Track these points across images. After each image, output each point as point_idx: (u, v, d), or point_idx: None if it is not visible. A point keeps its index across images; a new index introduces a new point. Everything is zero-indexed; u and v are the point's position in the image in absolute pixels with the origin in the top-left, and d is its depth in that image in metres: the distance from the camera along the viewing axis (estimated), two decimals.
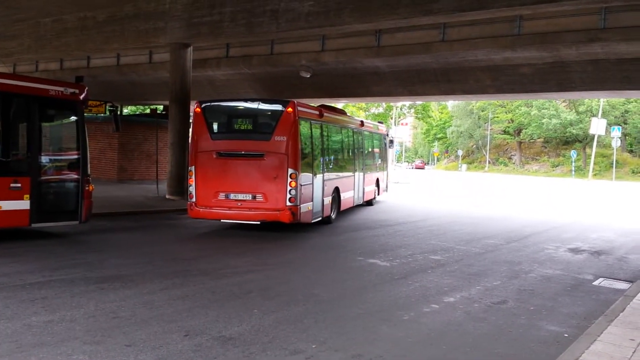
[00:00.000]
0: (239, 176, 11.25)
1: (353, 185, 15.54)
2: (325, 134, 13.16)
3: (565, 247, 11.20)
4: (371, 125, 18.97)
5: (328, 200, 13.04)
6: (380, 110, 51.26)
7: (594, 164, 53.96)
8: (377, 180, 19.11)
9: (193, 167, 11.48)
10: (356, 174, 15.88)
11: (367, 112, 48.85)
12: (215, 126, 11.79)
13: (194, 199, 11.45)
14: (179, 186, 16.86)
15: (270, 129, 11.27)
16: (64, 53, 21.30)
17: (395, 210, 17.71)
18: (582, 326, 5.65)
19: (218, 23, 15.66)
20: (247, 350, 4.63)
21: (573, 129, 56.67)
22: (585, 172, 54.57)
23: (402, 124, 55.86)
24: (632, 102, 52.75)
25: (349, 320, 5.65)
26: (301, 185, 11.16)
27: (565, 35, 14.29)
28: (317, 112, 12.65)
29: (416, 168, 79.29)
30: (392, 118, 50.53)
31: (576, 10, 13.33)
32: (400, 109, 53.56)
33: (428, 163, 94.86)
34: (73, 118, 10.14)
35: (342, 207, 14.42)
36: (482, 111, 67.96)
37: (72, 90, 9.83)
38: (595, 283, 7.94)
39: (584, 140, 57.11)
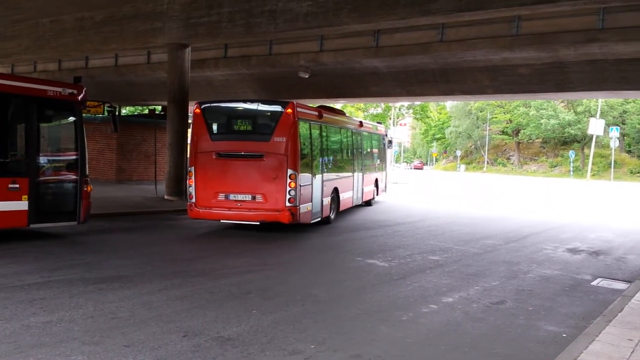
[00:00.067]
0: (239, 177, 11.28)
1: (352, 186, 15.55)
2: (324, 134, 13.18)
3: (563, 247, 11.21)
4: (370, 126, 18.99)
5: (327, 200, 13.06)
6: (379, 110, 51.31)
7: (592, 164, 54.03)
8: (376, 180, 19.12)
9: (193, 167, 11.51)
10: (355, 174, 15.89)
11: (365, 113, 48.88)
12: (214, 127, 11.82)
13: (193, 200, 11.48)
14: (178, 187, 16.86)
15: (269, 129, 11.30)
16: (62, 54, 21.28)
17: (394, 210, 17.73)
18: (580, 326, 5.65)
19: (216, 23, 15.65)
20: (246, 350, 4.63)
21: (571, 129, 56.76)
22: (583, 172, 54.65)
23: (400, 124, 55.90)
24: (631, 102, 52.84)
25: (348, 321, 5.65)
26: (300, 185, 11.18)
27: (563, 35, 14.31)
28: (316, 113, 12.67)
29: (415, 168, 79.31)
30: (390, 118, 50.58)
31: (574, 10, 13.35)
32: (399, 110, 53.62)
33: (427, 163, 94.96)
34: (71, 119, 10.13)
35: (341, 208, 14.43)
36: (481, 111, 68.03)
37: (70, 90, 9.82)
38: (594, 283, 7.96)
39: (583, 140, 57.19)
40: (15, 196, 9.02)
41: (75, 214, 9.82)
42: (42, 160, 9.67)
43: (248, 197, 11.21)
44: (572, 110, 57.10)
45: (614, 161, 50.75)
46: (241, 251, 9.68)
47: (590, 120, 50.94)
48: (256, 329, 5.18)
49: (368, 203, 18.19)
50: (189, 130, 18.15)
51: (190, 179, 11.55)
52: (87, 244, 9.67)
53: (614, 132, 48.73)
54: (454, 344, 5.05)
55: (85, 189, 9.91)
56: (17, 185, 9.05)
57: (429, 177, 50.64)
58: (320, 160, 12.74)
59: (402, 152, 77.63)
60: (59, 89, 9.68)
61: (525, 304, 6.59)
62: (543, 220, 16.16)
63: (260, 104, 12.55)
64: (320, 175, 12.57)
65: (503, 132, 68.20)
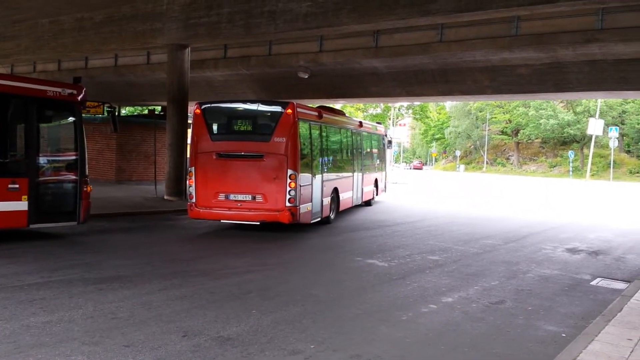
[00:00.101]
0: (239, 177, 11.31)
1: (352, 186, 15.57)
2: (324, 134, 13.20)
3: (563, 247, 11.22)
4: (370, 126, 19.00)
5: (327, 200, 13.08)
6: (379, 110, 51.32)
7: (592, 164, 54.05)
8: (376, 180, 19.14)
9: (193, 167, 11.55)
10: (355, 174, 15.91)
11: (365, 113, 48.89)
12: (215, 127, 11.86)
13: (194, 200, 11.51)
14: (177, 187, 16.86)
15: (269, 130, 11.33)
16: (62, 54, 21.28)
17: (393, 210, 17.73)
18: (579, 326, 5.66)
19: (216, 24, 15.66)
20: (246, 350, 4.63)
21: (570, 129, 56.80)
22: (582, 172, 54.68)
23: (400, 124, 55.89)
24: (630, 102, 52.88)
25: (348, 321, 5.66)
26: (300, 185, 11.20)
27: (562, 36, 14.33)
28: (316, 113, 12.69)
29: (414, 168, 79.35)
30: (390, 119, 50.59)
31: (573, 11, 13.36)
32: (398, 110, 53.63)
33: (426, 163, 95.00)
34: (71, 119, 10.13)
35: (341, 208, 14.45)
36: (480, 112, 68.06)
37: (69, 91, 9.82)
38: (593, 283, 7.97)
39: (582, 140, 57.24)
40: (15, 196, 9.03)
41: (75, 214, 9.83)
42: (42, 160, 9.67)
43: (248, 197, 11.23)
44: (571, 111, 57.14)
45: (613, 161, 50.78)
46: (241, 251, 9.69)
47: (589, 121, 50.95)
48: (256, 329, 5.19)
49: (368, 203, 18.20)
50: (189, 131, 18.18)
51: (190, 179, 11.57)
52: (87, 244, 9.67)
53: (613, 132, 48.75)
54: (454, 343, 5.06)
55: (85, 189, 9.91)
56: (17, 186, 9.06)
57: (428, 177, 50.66)
58: (320, 161, 12.76)
59: (401, 152, 77.67)
60: (59, 89, 9.68)
61: (525, 303, 6.60)
62: (542, 220, 16.17)
63: (260, 105, 12.59)
64: (320, 176, 12.59)
65: (502, 132, 68.24)
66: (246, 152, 11.35)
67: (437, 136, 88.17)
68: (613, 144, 49.05)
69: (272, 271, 8.08)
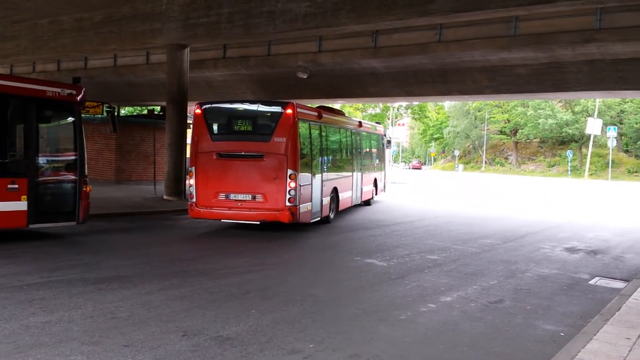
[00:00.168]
0: (239, 177, 11.36)
1: (351, 186, 15.60)
2: (323, 134, 13.23)
3: (561, 246, 11.24)
4: (369, 126, 19.02)
5: (327, 200, 13.11)
6: (377, 110, 51.30)
7: (590, 163, 54.12)
8: (375, 180, 19.17)
9: (193, 167, 11.59)
10: (354, 174, 15.93)
11: (364, 113, 48.88)
12: (215, 127, 11.91)
13: (194, 199, 11.55)
14: (177, 187, 16.87)
15: (269, 130, 11.38)
16: (61, 54, 21.27)
17: (392, 210, 17.75)
18: (578, 325, 5.68)
19: (215, 24, 15.66)
20: (245, 350, 4.65)
21: (569, 129, 56.86)
22: (581, 172, 54.73)
23: (399, 124, 55.89)
24: (628, 102, 52.92)
25: (347, 320, 5.67)
26: (300, 185, 11.24)
27: (560, 35, 14.35)
28: (315, 114, 12.73)
29: (413, 168, 79.39)
30: (389, 118, 50.61)
31: (572, 11, 13.38)
32: (397, 110, 53.64)
33: (425, 163, 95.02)
34: (70, 119, 10.14)
35: (341, 207, 14.47)
36: (479, 111, 68.10)
37: (69, 91, 9.83)
38: (592, 282, 7.98)
39: (580, 140, 57.29)
40: (14, 196, 9.03)
41: (75, 214, 9.83)
42: (41, 160, 9.68)
43: (248, 197, 11.27)
44: (569, 110, 57.18)
45: (612, 161, 50.79)
46: (240, 251, 9.70)
47: (587, 120, 51.01)
48: (255, 329, 5.20)
49: (367, 203, 18.22)
50: (188, 131, 18.20)
51: (190, 178, 11.61)
52: (86, 244, 9.68)
53: (612, 132, 48.78)
54: (453, 343, 5.08)
55: (84, 189, 9.92)
56: (16, 186, 9.06)
57: (427, 177, 50.69)
58: (320, 160, 12.80)
59: (400, 152, 77.70)
60: (58, 90, 9.69)
61: (523, 303, 6.62)
62: (541, 220, 16.19)
63: (260, 105, 12.62)
64: (320, 175, 12.62)
65: (501, 132, 68.27)
66: (246, 152, 11.39)
67: (435, 136, 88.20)
68: (611, 143, 49.06)
69: (272, 271, 8.09)
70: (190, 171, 11.65)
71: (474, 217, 16.37)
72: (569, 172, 54.45)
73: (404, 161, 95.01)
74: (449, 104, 75.55)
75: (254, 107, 12.53)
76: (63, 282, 6.71)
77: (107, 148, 22.24)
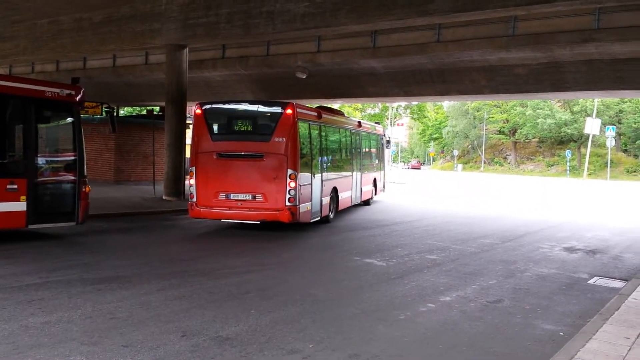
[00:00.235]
0: (239, 176, 11.39)
1: (351, 185, 15.61)
2: (323, 134, 13.26)
3: (560, 246, 11.25)
4: (368, 126, 19.04)
5: (326, 200, 13.13)
6: (376, 110, 51.29)
7: (589, 163, 54.17)
8: (375, 180, 19.19)
9: (194, 167, 11.63)
10: (354, 174, 15.95)
11: (363, 113, 48.88)
12: (215, 127, 11.95)
13: (194, 199, 11.57)
14: (176, 187, 16.87)
15: (269, 130, 11.41)
16: (60, 54, 21.26)
17: (391, 210, 17.76)
18: (577, 325, 5.69)
19: (214, 24, 15.66)
20: (244, 350, 4.65)
21: (568, 128, 56.90)
22: (580, 171, 54.78)
23: (398, 124, 55.92)
24: (626, 101, 52.97)
25: (346, 320, 5.68)
26: (300, 185, 11.27)
27: (559, 35, 14.37)
28: (315, 114, 12.75)
29: (412, 168, 79.45)
30: (388, 118, 50.63)
31: (570, 10, 13.40)
32: (396, 110, 53.65)
33: (424, 163, 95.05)
34: (69, 119, 10.13)
35: (340, 207, 14.49)
36: (478, 111, 68.12)
37: (68, 91, 9.83)
38: (591, 282, 7.99)
39: (579, 140, 57.34)
40: (13, 197, 9.02)
41: (74, 214, 9.83)
42: (40, 161, 9.67)
43: (248, 197, 11.30)
44: (568, 110, 57.22)
45: (610, 160, 50.87)
46: (240, 251, 9.70)
47: (586, 120, 51.07)
48: (255, 329, 5.20)
49: (366, 202, 18.23)
50: (188, 131, 18.20)
51: (191, 178, 11.63)
52: (86, 245, 9.67)
53: (610, 132, 48.88)
54: (452, 342, 5.08)
55: (83, 189, 9.92)
56: (16, 186, 9.05)
57: (426, 177, 50.71)
58: (320, 160, 12.83)
59: (399, 152, 77.72)
60: (57, 90, 9.68)
61: (523, 302, 6.63)
62: (540, 220, 16.21)
63: (260, 105, 12.65)
64: (320, 175, 12.64)
65: (500, 132, 68.31)
66: (246, 152, 11.43)
67: (434, 136, 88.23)
68: (610, 143, 49.15)
69: (271, 271, 8.09)
70: (191, 171, 11.69)
71: (473, 216, 16.38)
72: (568, 172, 54.49)
73: (403, 161, 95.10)
74: (447, 103, 75.60)
75: (254, 107, 12.55)
76: (62, 282, 6.71)
77: (106, 148, 22.23)
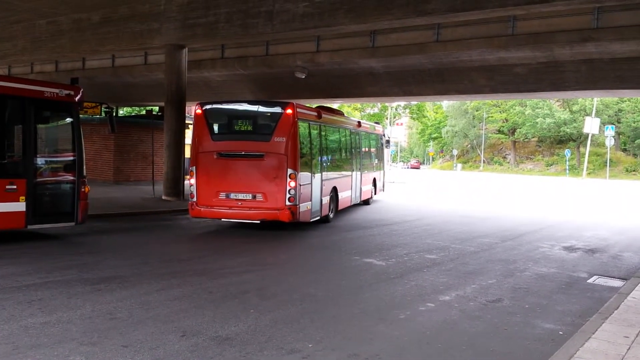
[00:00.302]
0: (240, 176, 11.42)
1: (351, 185, 15.63)
2: (323, 134, 13.28)
3: (559, 245, 11.26)
4: (368, 126, 19.04)
5: (326, 199, 13.15)
6: (376, 110, 51.32)
7: (588, 162, 54.21)
8: (374, 180, 19.20)
9: (194, 167, 11.66)
10: (354, 173, 15.96)
11: (362, 113, 48.91)
12: (216, 127, 11.99)
13: (195, 199, 11.59)
14: (175, 187, 16.86)
15: (269, 130, 11.44)
16: (59, 55, 21.24)
17: (391, 209, 17.76)
18: (577, 324, 5.69)
19: (213, 24, 15.66)
20: (244, 350, 4.65)
21: (567, 128, 56.93)
22: (579, 170, 54.82)
23: (397, 124, 55.96)
24: (626, 101, 53.00)
25: (346, 320, 5.68)
26: (300, 185, 11.29)
27: (558, 35, 14.37)
28: (315, 114, 12.77)
29: (412, 168, 79.48)
30: (387, 118, 50.65)
31: (569, 10, 13.39)
32: (396, 109, 53.67)
33: (423, 163, 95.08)
34: (68, 120, 10.13)
35: (340, 207, 14.50)
36: (477, 111, 68.16)
37: (67, 91, 9.82)
38: (590, 281, 8.00)
39: (578, 139, 57.38)
40: (12, 197, 9.01)
41: (73, 214, 9.82)
42: (40, 161, 9.66)
43: (249, 196, 11.32)
44: (567, 109, 57.26)
45: (610, 159, 50.94)
46: (239, 251, 9.70)
47: (585, 119, 51.13)
48: (254, 329, 5.20)
49: (366, 202, 18.24)
50: (187, 131, 18.21)
51: (191, 178, 11.65)
52: (85, 245, 9.66)
53: (610, 131, 48.96)
54: (451, 342, 5.08)
55: (82, 189, 9.91)
56: (15, 187, 9.05)
57: (425, 177, 50.70)
58: (320, 160, 12.85)
59: (398, 151, 77.75)
60: (56, 90, 9.68)
61: (522, 301, 6.63)
62: (539, 219, 16.22)
63: (260, 105, 12.68)
64: (320, 175, 12.66)
65: (499, 131, 68.34)
66: (247, 151, 11.46)
67: (434, 135, 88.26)
68: (609, 142, 49.22)
69: (271, 270, 8.09)
70: (191, 171, 11.72)
71: (472, 216, 16.39)
72: (567, 171, 54.53)
73: (403, 161, 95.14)
74: (447, 103, 75.62)
75: (254, 107, 12.57)
76: (62, 282, 6.71)
77: (106, 148, 22.23)
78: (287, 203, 11.11)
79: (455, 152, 76.27)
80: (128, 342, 4.70)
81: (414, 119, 62.97)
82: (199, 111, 11.82)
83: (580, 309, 6.40)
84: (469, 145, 75.94)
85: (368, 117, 46.00)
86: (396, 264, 8.69)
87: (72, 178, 9.88)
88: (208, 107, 12.00)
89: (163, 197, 16.92)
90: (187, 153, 18.83)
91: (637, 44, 13.89)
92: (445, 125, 78.60)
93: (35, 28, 19.97)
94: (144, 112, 32.35)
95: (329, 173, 13.43)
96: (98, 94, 23.46)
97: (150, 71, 22.77)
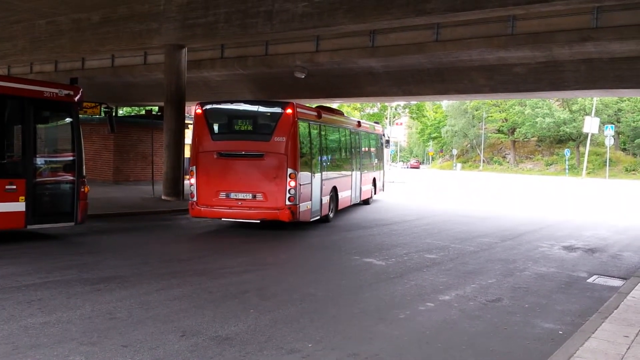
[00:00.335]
0: (240, 176, 11.44)
1: (350, 185, 15.64)
2: (323, 134, 13.29)
3: (559, 244, 11.26)
4: (368, 126, 19.05)
5: (326, 199, 13.16)
6: (375, 110, 51.34)
7: (588, 162, 54.24)
8: (374, 179, 19.21)
9: (194, 167, 11.67)
10: (353, 173, 15.97)
11: (362, 112, 48.93)
12: (216, 127, 12.01)
13: (195, 198, 11.60)
14: (175, 187, 16.86)
15: (269, 129, 11.45)
16: (59, 55, 21.24)
17: (391, 209, 17.76)
18: (576, 323, 5.69)
19: (213, 24, 15.66)
20: (244, 349, 4.65)
21: (566, 127, 56.97)
22: (579, 170, 54.84)
23: (396, 123, 55.98)
24: (625, 100, 53.04)
25: (345, 319, 5.68)
26: (300, 184, 11.30)
27: (558, 35, 14.37)
28: (315, 113, 12.78)
29: (411, 167, 79.51)
30: (386, 118, 50.66)
31: (569, 9, 13.39)
32: (395, 109, 53.69)
33: (423, 162, 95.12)
34: (68, 120, 10.12)
35: (340, 206, 14.51)
36: (476, 110, 68.19)
37: (66, 91, 9.82)
38: (590, 280, 8.00)
39: (578, 138, 57.42)
40: (12, 197, 9.01)
41: (73, 214, 9.82)
42: (39, 161, 9.66)
43: (249, 196, 11.33)
44: (567, 109, 57.29)
45: (609, 159, 50.97)
46: (239, 251, 9.70)
47: (585, 119, 51.15)
48: (254, 328, 5.20)
49: (366, 202, 18.24)
50: (187, 131, 18.21)
51: (191, 178, 11.66)
52: (85, 245, 9.66)
53: (609, 130, 48.98)
54: (451, 341, 5.08)
55: (82, 189, 9.91)
56: (14, 187, 9.04)
57: (425, 176, 50.72)
58: (320, 160, 12.86)
59: (398, 151, 77.76)
60: (55, 90, 9.67)
61: (522, 301, 6.63)
62: (539, 218, 16.22)
63: (260, 105, 12.71)
64: (320, 174, 12.67)
65: (499, 131, 68.36)
66: (247, 151, 11.47)
67: (433, 135, 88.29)
68: (609, 142, 49.24)
69: (271, 270, 8.09)
70: (191, 170, 11.73)
71: (472, 215, 16.39)
72: (567, 171, 54.56)
73: (402, 160, 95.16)
74: (446, 103, 75.66)
75: (254, 107, 12.59)
76: (61, 282, 6.71)
77: (105, 148, 22.23)
78: (287, 203, 11.12)
79: (454, 151, 76.30)
80: (128, 342, 4.70)
81: (413, 118, 63.01)
82: (199, 111, 11.83)
83: (579, 308, 6.40)
84: (469, 145, 75.97)
85: (368, 117, 45.99)
86: (396, 263, 8.69)
87: (71, 178, 9.88)
88: (208, 107, 12.01)
89: (163, 197, 16.92)
90: (187, 153, 18.86)
91: (636, 43, 13.89)
92: (445, 125, 78.63)
93: (35, 28, 19.96)
94: (143, 112, 32.35)
95: (328, 173, 13.44)
96: (97, 94, 23.46)
97: (149, 71, 22.76)
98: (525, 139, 63.98)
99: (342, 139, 15.37)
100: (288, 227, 11.99)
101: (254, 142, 11.48)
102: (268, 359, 4.49)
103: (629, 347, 4.67)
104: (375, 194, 19.47)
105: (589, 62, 16.01)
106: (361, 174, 16.86)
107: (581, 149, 56.84)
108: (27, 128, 9.36)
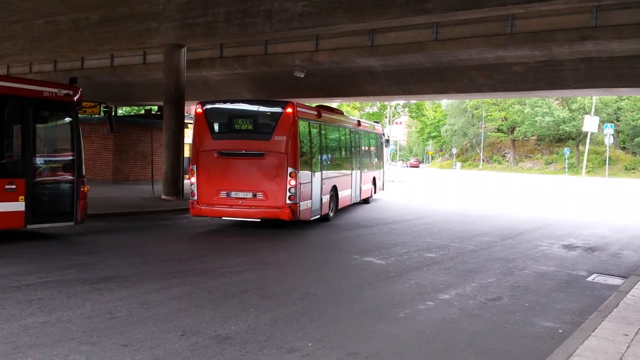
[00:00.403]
0: (240, 175, 11.46)
1: (350, 184, 15.65)
2: (323, 133, 13.31)
3: (559, 243, 11.27)
4: (367, 125, 19.05)
5: (326, 198, 13.17)
6: (375, 109, 51.35)
7: (587, 161, 54.27)
8: (374, 178, 19.23)
9: (195, 166, 11.69)
10: (353, 172, 15.99)
11: (361, 112, 48.94)
12: (216, 126, 12.03)
13: (195, 197, 11.62)
14: (175, 186, 16.86)
15: (270, 129, 11.47)
16: (58, 54, 21.23)
17: (391, 208, 17.77)
18: (576, 322, 5.69)
19: (212, 24, 15.66)
20: (244, 349, 4.65)
21: (566, 126, 57.00)
22: (578, 169, 54.86)
23: (396, 122, 56.01)
24: (625, 99, 53.07)
25: (345, 319, 5.68)
26: (300, 183, 11.32)
27: (557, 34, 14.37)
28: (315, 113, 12.79)
29: (411, 166, 79.58)
30: (386, 117, 50.67)
31: (568, 9, 13.39)
32: (395, 108, 53.70)
33: (423, 161, 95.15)
34: (67, 119, 10.12)
35: (340, 205, 14.52)
36: (476, 109, 68.22)
37: (66, 91, 9.82)
38: (589, 279, 8.01)
39: (577, 137, 57.44)
40: (12, 197, 9.01)
41: (72, 214, 9.82)
42: (39, 161, 9.65)
43: (249, 195, 11.35)
44: (566, 108, 57.32)
45: (609, 158, 50.99)
46: (239, 250, 9.70)
47: (584, 118, 51.16)
48: (254, 328, 5.20)
49: (366, 201, 18.26)
50: (186, 131, 18.22)
51: (192, 177, 11.68)
52: (84, 244, 9.66)
53: (609, 129, 48.99)
54: (451, 340, 5.09)
55: (82, 189, 9.91)
56: (14, 186, 9.04)
57: (425, 175, 50.73)
58: (320, 159, 12.88)
59: (398, 150, 77.76)
60: (55, 90, 9.67)
61: (521, 300, 6.64)
62: (538, 217, 16.23)
63: (260, 104, 12.74)
64: (320, 174, 12.69)
65: (498, 130, 68.40)
66: (247, 150, 11.49)
67: (433, 134, 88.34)
68: (608, 140, 49.26)
69: (270, 269, 8.10)
70: (192, 169, 11.75)
71: (471, 214, 16.40)
72: (566, 170, 54.59)
73: (402, 159, 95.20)
74: (446, 102, 75.67)
75: (254, 106, 12.61)
76: (61, 282, 6.71)
77: (105, 148, 22.23)
78: (288, 201, 11.14)
79: (454, 150, 76.33)
80: (128, 342, 4.71)
81: (413, 117, 63.04)
82: (199, 110, 11.85)
83: (579, 307, 6.41)
84: (468, 144, 75.99)
85: (367, 116, 46.01)
86: (396, 262, 8.70)
87: (71, 178, 9.88)
88: (209, 106, 12.03)
89: (162, 197, 16.92)
90: (187, 152, 18.86)
91: (635, 42, 13.90)
92: (445, 124, 78.67)
93: (34, 28, 19.95)
94: (142, 111, 32.33)
95: (329, 172, 13.45)
96: (97, 93, 23.46)
97: (149, 71, 22.76)
98: (525, 138, 64.02)
99: (342, 138, 15.38)
100: (288, 226, 12.00)
101: (255, 141, 11.50)
102: (268, 358, 4.49)
103: (628, 346, 4.68)
104: (375, 193, 19.48)
105: (589, 61, 16.02)
106: (361, 173, 16.88)
107: (581, 147, 56.87)
108: (27, 128, 9.36)
